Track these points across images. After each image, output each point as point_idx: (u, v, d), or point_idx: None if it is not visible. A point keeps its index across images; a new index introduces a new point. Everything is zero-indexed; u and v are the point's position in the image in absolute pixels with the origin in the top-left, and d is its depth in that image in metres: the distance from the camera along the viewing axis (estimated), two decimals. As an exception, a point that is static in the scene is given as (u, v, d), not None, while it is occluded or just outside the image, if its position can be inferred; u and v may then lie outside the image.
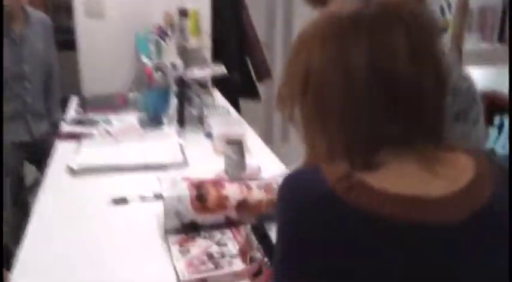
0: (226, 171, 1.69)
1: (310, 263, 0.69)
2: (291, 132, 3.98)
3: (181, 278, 1.15)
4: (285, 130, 4.05)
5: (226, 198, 1.36)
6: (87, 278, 1.20)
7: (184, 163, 1.85)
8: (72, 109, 2.56)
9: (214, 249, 1.28)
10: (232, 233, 1.35)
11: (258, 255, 1.02)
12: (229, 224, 1.38)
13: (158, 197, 1.56)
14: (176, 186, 1.35)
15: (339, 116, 0.72)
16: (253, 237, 1.03)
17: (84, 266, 1.24)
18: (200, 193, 1.34)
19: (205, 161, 1.90)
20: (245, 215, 1.39)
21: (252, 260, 1.03)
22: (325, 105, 0.73)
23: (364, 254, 0.67)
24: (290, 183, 0.74)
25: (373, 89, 0.68)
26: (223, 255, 1.25)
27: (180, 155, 1.90)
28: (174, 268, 1.20)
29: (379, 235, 0.67)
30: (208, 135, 2.12)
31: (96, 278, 1.20)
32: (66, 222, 1.45)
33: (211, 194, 1.35)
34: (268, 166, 1.78)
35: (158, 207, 1.46)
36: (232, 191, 1.38)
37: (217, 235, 1.34)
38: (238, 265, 1.20)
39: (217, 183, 1.39)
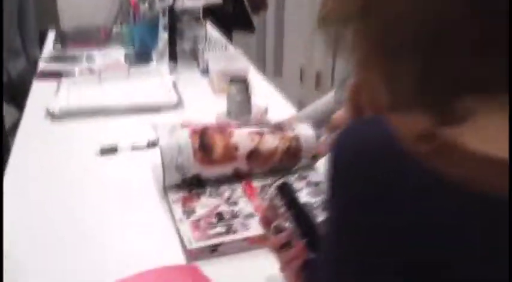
0: (228, 113, 1.46)
1: (382, 254, 0.48)
2: (285, 66, 3.73)
3: (187, 246, 0.94)
4: (278, 64, 3.78)
5: (235, 147, 1.13)
6: (69, 242, 0.98)
7: (179, 104, 1.61)
8: (50, 45, 2.28)
9: (224, 208, 1.06)
10: (243, 189, 1.14)
11: (285, 224, 0.81)
12: (239, 177, 1.17)
13: (153, 145, 1.33)
14: (175, 134, 1.12)
15: (415, 49, 0.48)
16: (279, 202, 0.82)
17: (67, 228, 1.02)
18: (204, 142, 1.11)
19: (203, 102, 1.67)
20: (257, 166, 1.17)
21: (277, 230, 0.82)
22: (396, 32, 0.48)
23: (460, 243, 0.45)
24: (350, 145, 0.51)
25: (470, 15, 0.44)
26: (234, 216, 1.04)
27: (173, 94, 1.65)
28: (178, 232, 0.99)
29: (485, 216, 0.45)
30: (205, 72, 1.86)
31: (80, 243, 0.98)
32: (45, 177, 1.22)
33: (218, 143, 1.12)
34: (276, 107, 1.55)
35: (153, 157, 1.23)
36: (242, 139, 1.15)
37: (226, 191, 1.13)
38: (255, 228, 1.00)
39: (224, 129, 1.16)
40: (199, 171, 1.11)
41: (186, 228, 0.99)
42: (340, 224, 0.51)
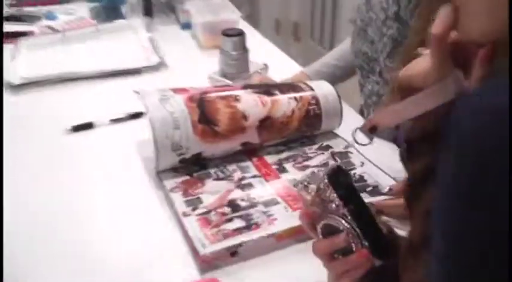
0: (223, 73, 1.21)
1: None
2: (261, 18, 3.43)
3: (200, 250, 0.70)
4: (254, 16, 3.47)
5: (243, 115, 0.89)
6: (39, 242, 0.74)
7: (161, 65, 1.34)
8: (3, 3, 1.95)
9: (237, 194, 0.83)
10: (256, 166, 0.90)
11: (339, 223, 0.58)
12: (248, 152, 0.93)
13: (136, 116, 1.08)
14: (167, 104, 0.86)
15: None
16: (330, 194, 0.58)
17: (37, 227, 0.78)
18: (205, 111, 0.87)
19: (188, 61, 1.40)
20: (270, 138, 0.93)
21: (328, 231, 0.59)
22: None
23: None
24: (485, 110, 0.35)
25: None
26: (252, 203, 0.81)
27: (153, 54, 1.38)
28: (184, 231, 0.76)
29: None
30: (186, 26, 1.59)
31: (53, 244, 0.75)
32: (7, 162, 0.96)
33: (222, 112, 0.88)
34: (275, 63, 1.30)
35: (139, 132, 0.98)
36: (251, 104, 0.90)
37: (236, 172, 0.89)
38: (283, 218, 0.77)
39: (227, 92, 0.91)
40: (201, 149, 0.87)
41: (193, 224, 0.76)
42: (477, 199, 0.34)
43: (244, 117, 0.89)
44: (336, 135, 1.00)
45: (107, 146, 1.00)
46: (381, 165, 0.92)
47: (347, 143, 0.97)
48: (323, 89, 0.97)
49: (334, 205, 0.59)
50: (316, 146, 0.97)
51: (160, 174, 0.88)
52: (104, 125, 1.06)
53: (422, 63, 0.53)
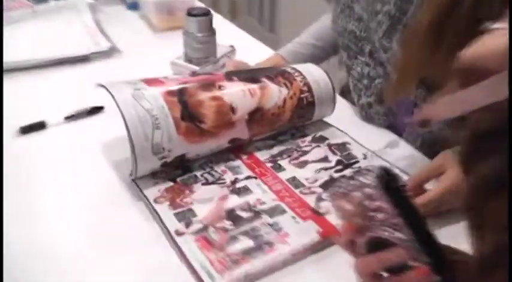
0: (187, 58, 1.06)
1: None
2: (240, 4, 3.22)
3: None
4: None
5: (231, 108, 0.75)
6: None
7: (114, 50, 1.17)
8: None
9: (235, 200, 0.70)
10: (248, 166, 0.77)
11: (392, 235, 0.46)
12: (234, 150, 0.80)
13: (95, 111, 0.91)
14: (142, 100, 0.71)
15: None
16: (382, 203, 0.46)
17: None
18: (188, 106, 0.72)
19: (143, 45, 1.23)
20: (260, 131, 0.81)
21: (372, 245, 0.47)
22: None
23: None
24: None
25: None
26: (256, 214, 0.68)
27: (103, 39, 1.20)
28: (181, 254, 0.62)
29: None
30: (133, 6, 1.41)
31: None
32: None
33: (207, 105, 0.73)
34: (241, 46, 1.16)
35: (102, 130, 0.83)
36: (238, 95, 0.76)
37: (226, 173, 0.75)
38: (296, 231, 0.65)
39: (209, 83, 0.77)
40: (186, 150, 0.73)
41: (191, 245, 0.61)
42: None
43: (232, 109, 0.75)
44: (328, 125, 0.89)
45: (64, 150, 0.83)
46: (381, 156, 0.82)
47: (341, 132, 0.86)
48: (313, 74, 0.85)
49: (384, 215, 0.47)
50: (309, 138, 0.85)
51: (138, 181, 0.73)
52: (58, 124, 0.88)
53: (495, 40, 0.42)
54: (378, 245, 0.49)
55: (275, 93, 0.79)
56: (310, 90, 0.83)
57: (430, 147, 0.86)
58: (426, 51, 0.66)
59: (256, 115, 0.77)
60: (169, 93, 0.72)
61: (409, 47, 0.70)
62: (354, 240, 0.50)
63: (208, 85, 0.76)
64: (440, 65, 0.70)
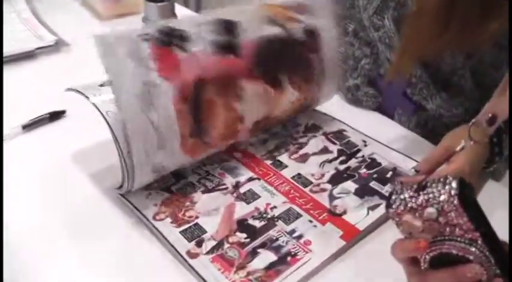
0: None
1: None
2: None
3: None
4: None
5: (240, 118, 0.64)
6: None
7: (61, 44, 1.02)
8: None
9: (242, 208, 0.60)
10: (246, 165, 0.68)
11: (468, 250, 0.39)
12: (230, 150, 0.70)
13: (56, 116, 0.78)
14: (150, 111, 0.56)
15: None
16: (459, 218, 0.39)
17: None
18: (200, 117, 0.59)
19: (92, 36, 1.09)
20: (258, 132, 0.71)
21: (437, 261, 0.41)
22: None
23: None
24: None
25: None
26: (269, 221, 0.59)
27: (46, 32, 1.05)
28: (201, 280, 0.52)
29: None
30: (73, -7, 1.25)
31: None
32: None
33: (219, 116, 0.61)
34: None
35: (68, 138, 0.71)
36: (253, 106, 0.65)
37: (225, 176, 0.66)
38: (317, 238, 0.57)
39: (229, 78, 0.62)
40: (185, 164, 0.62)
41: (211, 269, 0.52)
42: None
43: (241, 119, 0.64)
44: (317, 112, 0.81)
45: (28, 164, 0.70)
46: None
47: (333, 118, 0.79)
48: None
49: (458, 229, 0.40)
50: (302, 128, 0.77)
51: (127, 195, 0.61)
52: (15, 135, 0.74)
53: None
54: (443, 261, 0.42)
55: (287, 99, 0.69)
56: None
57: (423, 127, 0.81)
58: (436, 29, 0.60)
59: (261, 123, 0.68)
60: (182, 96, 0.58)
61: (416, 25, 0.63)
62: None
63: (228, 85, 0.62)
64: (451, 42, 0.64)
